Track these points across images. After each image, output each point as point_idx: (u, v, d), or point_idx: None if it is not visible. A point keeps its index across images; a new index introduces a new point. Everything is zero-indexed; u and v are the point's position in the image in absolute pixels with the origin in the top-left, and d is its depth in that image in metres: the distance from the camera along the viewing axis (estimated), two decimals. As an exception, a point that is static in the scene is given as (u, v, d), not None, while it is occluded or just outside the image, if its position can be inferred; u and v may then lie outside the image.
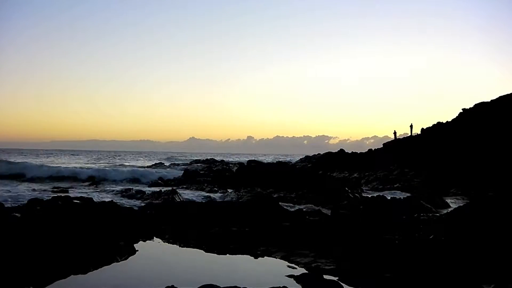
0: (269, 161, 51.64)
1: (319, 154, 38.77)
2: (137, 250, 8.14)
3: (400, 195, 18.67)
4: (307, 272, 6.73)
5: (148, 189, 21.83)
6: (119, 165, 52.54)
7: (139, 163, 59.84)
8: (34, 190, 21.29)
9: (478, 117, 27.66)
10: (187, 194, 20.30)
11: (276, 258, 7.80)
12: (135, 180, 29.21)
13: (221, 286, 5.37)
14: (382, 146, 35.80)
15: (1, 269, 6.18)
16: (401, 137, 35.81)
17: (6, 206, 9.78)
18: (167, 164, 55.09)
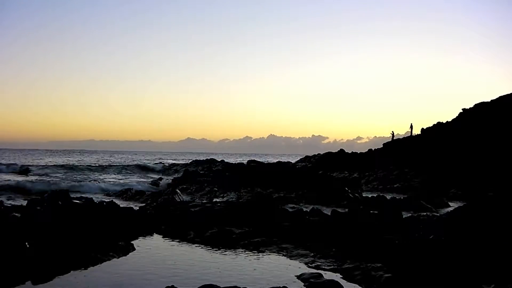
0: (268, 160, 50.90)
1: (319, 154, 38.68)
2: (137, 249, 8.15)
3: (400, 195, 18.64)
4: (307, 272, 6.73)
5: (148, 189, 21.83)
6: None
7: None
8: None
9: (478, 117, 27.64)
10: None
11: (277, 257, 7.81)
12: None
13: (221, 286, 5.37)
14: (382, 146, 35.72)
15: (3, 265, 6.19)
16: (399, 137, 35.71)
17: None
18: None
